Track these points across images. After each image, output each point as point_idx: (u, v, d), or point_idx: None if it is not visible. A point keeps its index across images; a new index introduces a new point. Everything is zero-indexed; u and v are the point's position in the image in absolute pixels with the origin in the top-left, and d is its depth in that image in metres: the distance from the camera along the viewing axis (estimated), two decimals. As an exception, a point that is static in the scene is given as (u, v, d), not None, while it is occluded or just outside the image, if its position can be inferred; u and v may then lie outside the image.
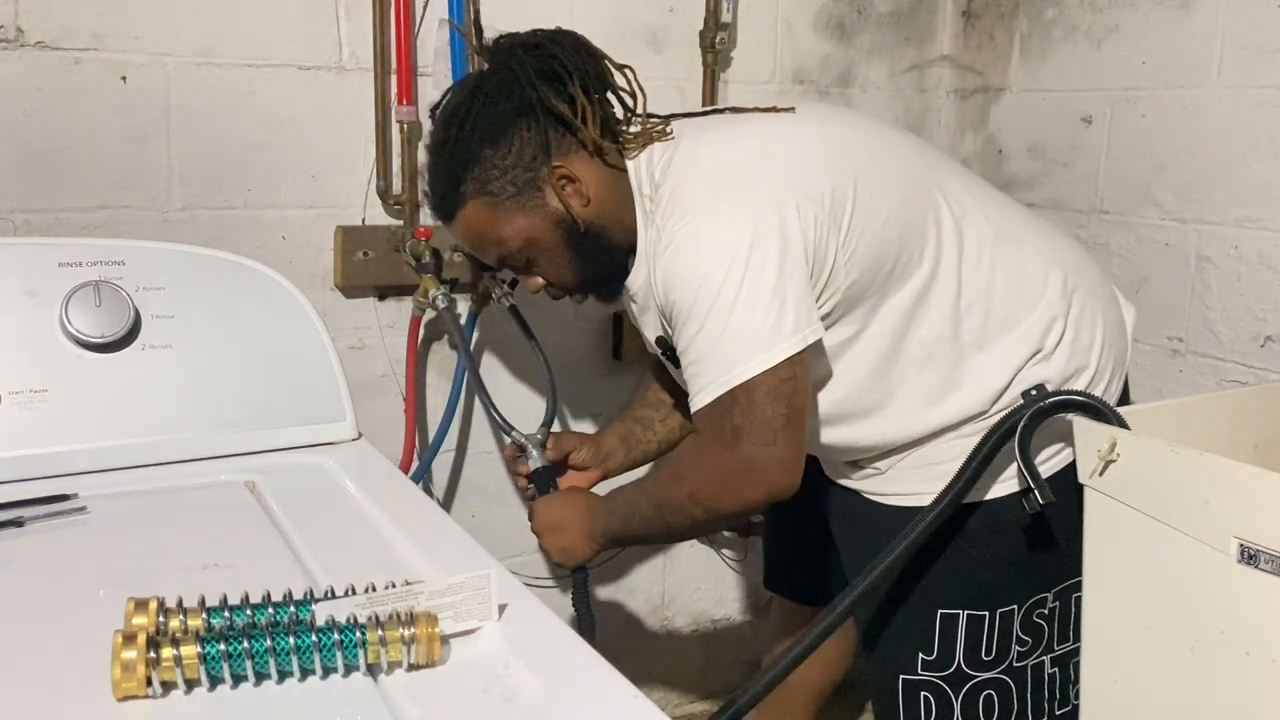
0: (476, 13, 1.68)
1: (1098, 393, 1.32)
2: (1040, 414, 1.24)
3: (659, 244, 1.24)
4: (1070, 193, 1.96)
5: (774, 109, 1.33)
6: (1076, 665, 1.37)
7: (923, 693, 1.37)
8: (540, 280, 1.37)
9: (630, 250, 1.33)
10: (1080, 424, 1.19)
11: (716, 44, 1.87)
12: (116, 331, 1.20)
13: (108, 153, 1.49)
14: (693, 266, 1.20)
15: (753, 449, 1.20)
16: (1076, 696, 1.38)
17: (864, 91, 2.11)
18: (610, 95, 1.33)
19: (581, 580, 1.51)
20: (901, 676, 1.38)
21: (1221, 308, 1.73)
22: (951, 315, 1.29)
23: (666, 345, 1.35)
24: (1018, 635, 1.35)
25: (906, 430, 1.33)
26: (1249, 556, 1.01)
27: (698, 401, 1.22)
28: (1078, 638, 1.33)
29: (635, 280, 1.34)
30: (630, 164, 1.31)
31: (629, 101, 1.35)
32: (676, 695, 2.19)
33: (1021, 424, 1.23)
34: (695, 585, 2.16)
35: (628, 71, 1.34)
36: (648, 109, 1.35)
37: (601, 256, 1.33)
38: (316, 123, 1.62)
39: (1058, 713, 1.40)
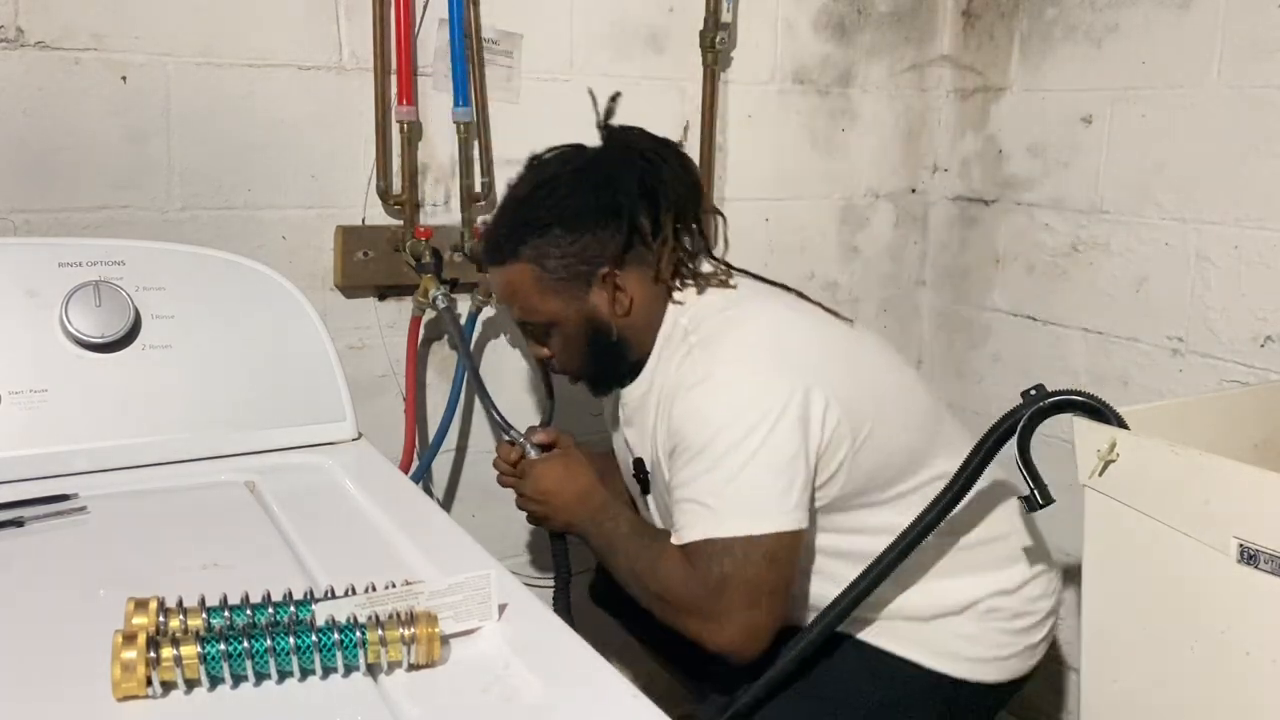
0: (477, 14, 1.69)
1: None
2: (1040, 414, 1.24)
3: (691, 375, 1.27)
4: (1070, 193, 1.96)
5: (836, 314, 1.41)
6: None
7: None
8: (546, 352, 1.41)
9: (636, 366, 1.38)
10: (1080, 424, 1.19)
11: (716, 44, 1.87)
12: (116, 331, 1.20)
13: (108, 153, 1.49)
14: (721, 408, 1.24)
15: (731, 604, 1.21)
16: None
17: (864, 91, 2.11)
18: (692, 227, 1.40)
19: (563, 585, 1.52)
20: None
21: (1221, 308, 1.73)
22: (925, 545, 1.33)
23: (642, 468, 1.40)
24: None
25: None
26: (1249, 556, 1.01)
27: (688, 535, 1.23)
28: None
29: (633, 392, 1.39)
30: (678, 296, 1.36)
31: (703, 243, 1.42)
32: (676, 695, 2.19)
33: (1021, 424, 1.23)
34: (695, 585, 2.15)
35: (719, 219, 1.43)
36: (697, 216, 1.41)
37: (612, 361, 1.38)
38: (316, 123, 1.62)
39: None
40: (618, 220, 1.31)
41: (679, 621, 1.27)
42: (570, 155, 1.37)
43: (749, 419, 1.22)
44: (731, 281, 1.39)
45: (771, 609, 1.23)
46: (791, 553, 1.24)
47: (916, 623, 1.38)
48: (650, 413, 1.35)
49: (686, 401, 1.26)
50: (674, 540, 1.26)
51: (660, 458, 1.33)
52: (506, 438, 1.54)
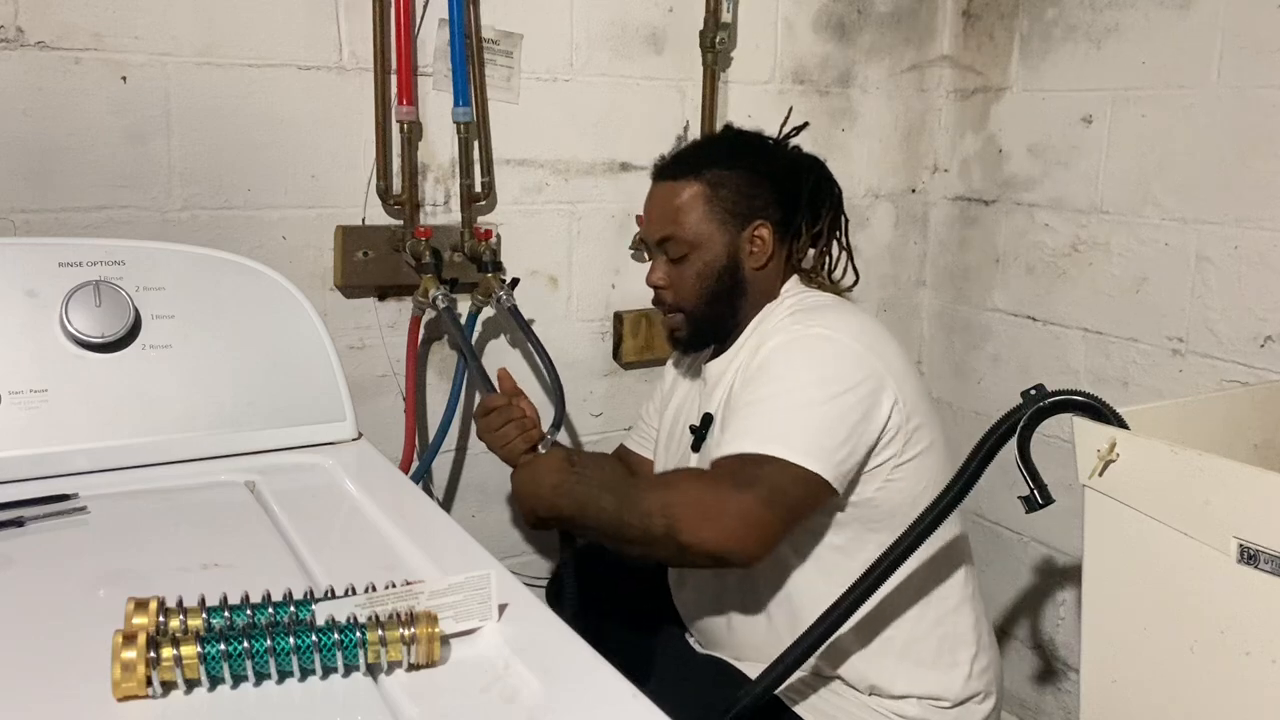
0: (477, 14, 1.69)
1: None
2: (1040, 414, 1.23)
3: (788, 327, 1.36)
4: (1070, 193, 1.96)
5: None
6: None
7: None
8: (663, 277, 1.48)
9: (731, 330, 1.47)
10: (1080, 424, 1.19)
11: (716, 44, 1.87)
12: (116, 331, 1.20)
13: (108, 153, 1.49)
14: (807, 355, 1.33)
15: (754, 499, 1.24)
16: None
17: (864, 91, 2.11)
18: (829, 248, 1.54)
19: (569, 562, 1.51)
20: None
21: (1221, 308, 1.73)
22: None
23: (709, 422, 1.45)
24: None
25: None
26: (1249, 556, 1.01)
27: (736, 445, 1.27)
28: None
29: (717, 365, 1.48)
30: (794, 285, 1.48)
31: (829, 262, 1.55)
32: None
33: (1021, 424, 1.23)
34: (695, 585, 2.15)
35: (845, 253, 1.56)
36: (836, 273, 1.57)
37: (724, 307, 1.46)
38: (316, 123, 1.62)
39: None
40: (795, 196, 1.46)
41: (689, 521, 1.24)
42: (768, 138, 1.53)
43: (827, 373, 1.31)
44: (846, 295, 1.53)
45: (782, 518, 1.26)
46: (817, 497, 1.29)
47: (857, 693, 1.39)
48: (733, 374, 1.42)
49: (778, 341, 1.35)
50: (722, 451, 1.29)
51: (732, 396, 1.38)
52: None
